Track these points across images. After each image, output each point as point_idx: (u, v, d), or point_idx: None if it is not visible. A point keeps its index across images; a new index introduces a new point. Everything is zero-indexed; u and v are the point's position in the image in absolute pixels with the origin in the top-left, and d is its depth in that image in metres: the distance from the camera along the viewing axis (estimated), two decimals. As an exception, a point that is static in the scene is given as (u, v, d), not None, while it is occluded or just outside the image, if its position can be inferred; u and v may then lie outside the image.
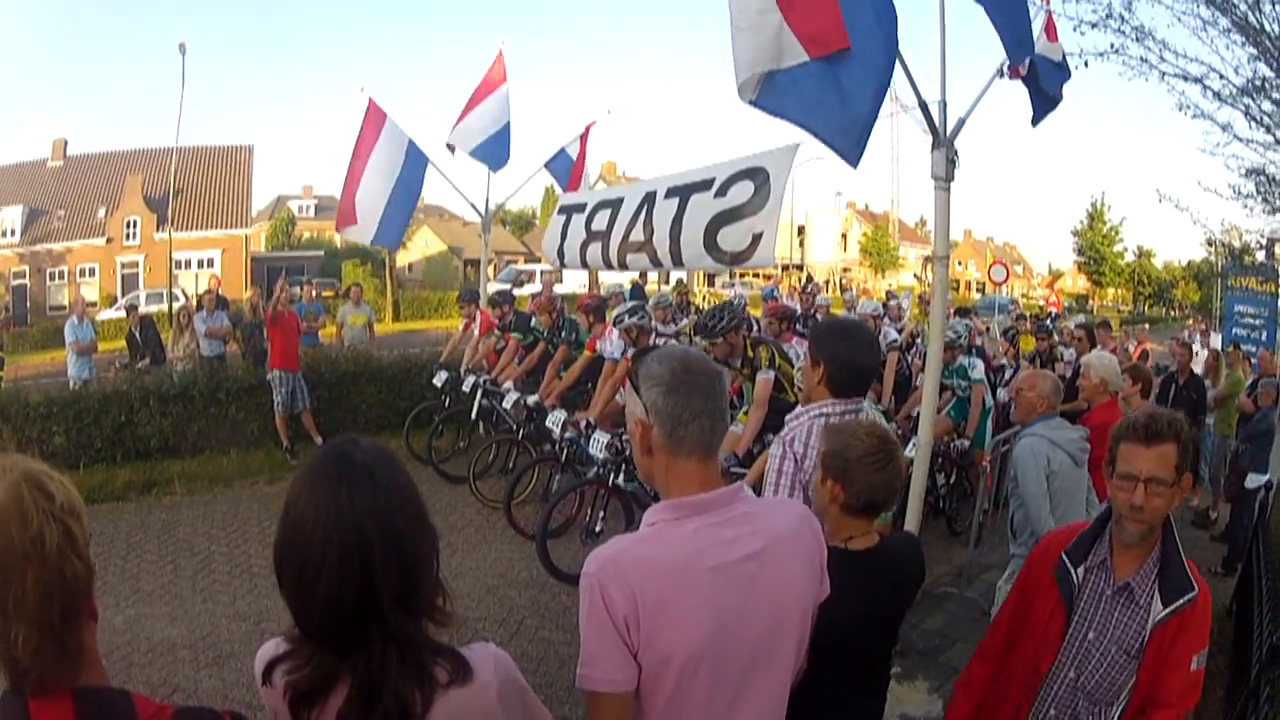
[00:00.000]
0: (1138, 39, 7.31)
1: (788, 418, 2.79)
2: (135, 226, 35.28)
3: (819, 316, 11.22)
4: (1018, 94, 5.31)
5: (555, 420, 6.68)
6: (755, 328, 8.32)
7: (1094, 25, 7.27)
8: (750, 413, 5.47)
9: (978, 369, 7.32)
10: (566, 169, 9.02)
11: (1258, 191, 8.18)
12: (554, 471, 6.92)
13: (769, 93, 3.99)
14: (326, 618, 1.23)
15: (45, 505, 1.10)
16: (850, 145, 3.91)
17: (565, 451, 6.61)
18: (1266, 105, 7.38)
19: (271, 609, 5.36)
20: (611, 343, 6.73)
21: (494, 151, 8.90)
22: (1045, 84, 5.26)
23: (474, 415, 8.39)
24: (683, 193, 5.08)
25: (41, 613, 1.08)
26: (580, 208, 6.33)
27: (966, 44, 5.87)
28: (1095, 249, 54.06)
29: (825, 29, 3.80)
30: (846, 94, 3.83)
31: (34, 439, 8.08)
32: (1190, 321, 25.36)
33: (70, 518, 1.13)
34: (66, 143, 38.22)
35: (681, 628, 1.50)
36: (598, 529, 6.03)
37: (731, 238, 4.64)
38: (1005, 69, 5.00)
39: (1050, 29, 5.41)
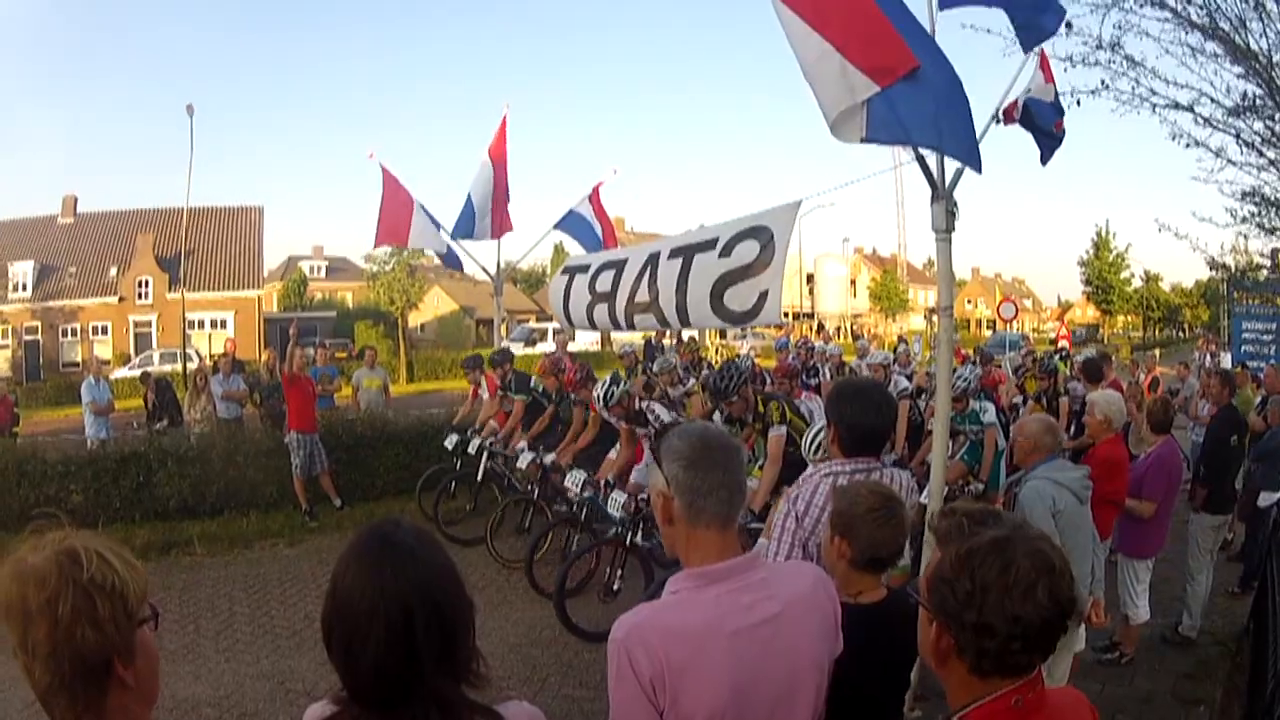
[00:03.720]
0: (1128, 69, 7.28)
1: (801, 477, 2.87)
2: (147, 286, 35.56)
3: (819, 367, 11.40)
4: (1018, 131, 5.30)
5: (575, 479, 6.74)
6: (766, 381, 8.38)
7: (1084, 60, 7.25)
8: (765, 469, 5.52)
9: (989, 413, 7.34)
10: (576, 228, 9.15)
11: (1252, 217, 8.19)
12: (572, 531, 6.96)
13: (877, 124, 3.87)
14: (372, 682, 1.31)
15: (72, 574, 1.19)
16: (968, 150, 3.88)
17: (583, 511, 6.68)
18: (1257, 125, 7.40)
19: (295, 669, 5.37)
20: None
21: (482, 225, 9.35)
22: (1042, 122, 5.29)
23: (480, 478, 8.48)
24: (686, 253, 5.12)
25: (51, 662, 1.18)
26: (584, 269, 6.40)
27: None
28: (1102, 278, 54.22)
29: (888, 58, 3.72)
30: (942, 102, 3.77)
31: (52, 497, 8.14)
32: (1201, 343, 25.16)
33: (97, 590, 1.20)
34: (77, 199, 38.69)
35: (704, 689, 1.60)
36: (616, 587, 6.08)
37: (738, 297, 4.66)
38: (1000, 114, 5.03)
39: (1046, 70, 5.43)
